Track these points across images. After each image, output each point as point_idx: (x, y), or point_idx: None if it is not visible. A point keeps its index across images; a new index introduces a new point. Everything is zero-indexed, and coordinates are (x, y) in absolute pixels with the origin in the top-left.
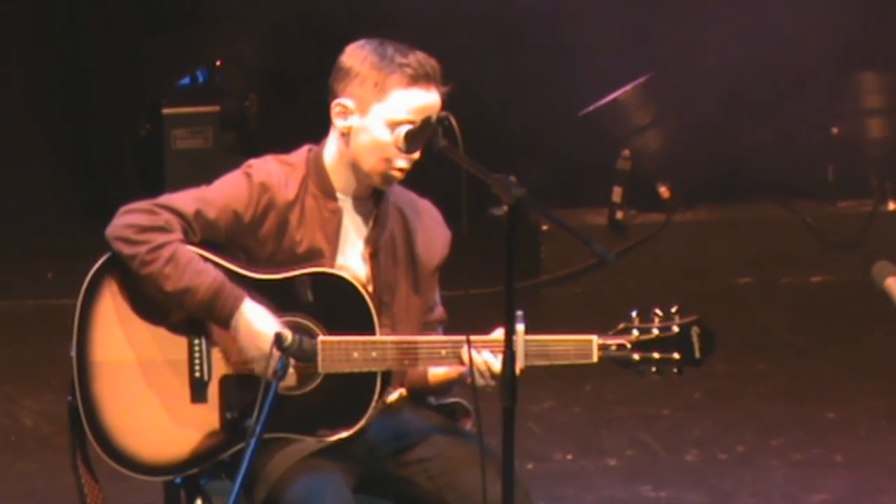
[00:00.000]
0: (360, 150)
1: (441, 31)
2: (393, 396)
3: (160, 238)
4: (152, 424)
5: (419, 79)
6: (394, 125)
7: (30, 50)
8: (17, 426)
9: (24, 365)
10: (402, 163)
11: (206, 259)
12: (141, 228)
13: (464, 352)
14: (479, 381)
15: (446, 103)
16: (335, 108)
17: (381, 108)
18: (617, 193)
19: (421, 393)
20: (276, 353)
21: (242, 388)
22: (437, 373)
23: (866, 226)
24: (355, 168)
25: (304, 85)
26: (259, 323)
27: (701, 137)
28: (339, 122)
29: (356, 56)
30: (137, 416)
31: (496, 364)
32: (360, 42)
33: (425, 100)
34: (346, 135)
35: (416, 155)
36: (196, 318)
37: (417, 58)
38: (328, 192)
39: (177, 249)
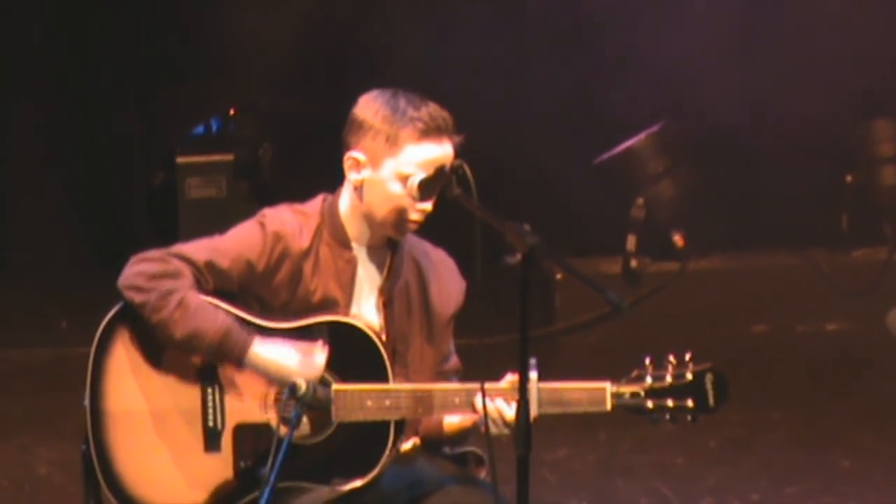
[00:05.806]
0: (373, 202)
1: (453, 79)
2: (407, 445)
3: (169, 284)
4: (166, 474)
5: (431, 132)
6: (406, 179)
7: (44, 101)
8: (30, 476)
9: (38, 414)
10: (415, 215)
11: (218, 307)
12: (151, 276)
13: (477, 400)
14: (493, 430)
15: (459, 152)
16: (347, 162)
17: (394, 162)
18: (631, 242)
19: (435, 442)
20: (290, 402)
21: (256, 436)
22: (451, 421)
23: (881, 274)
24: (369, 219)
25: (318, 133)
26: (273, 349)
27: (715, 186)
28: (351, 176)
29: (369, 109)
30: (151, 466)
31: (509, 412)
32: (373, 93)
33: (437, 153)
34: (358, 188)
35: (429, 206)
36: (208, 367)
37: (430, 110)
38: (343, 242)
39: (186, 295)
